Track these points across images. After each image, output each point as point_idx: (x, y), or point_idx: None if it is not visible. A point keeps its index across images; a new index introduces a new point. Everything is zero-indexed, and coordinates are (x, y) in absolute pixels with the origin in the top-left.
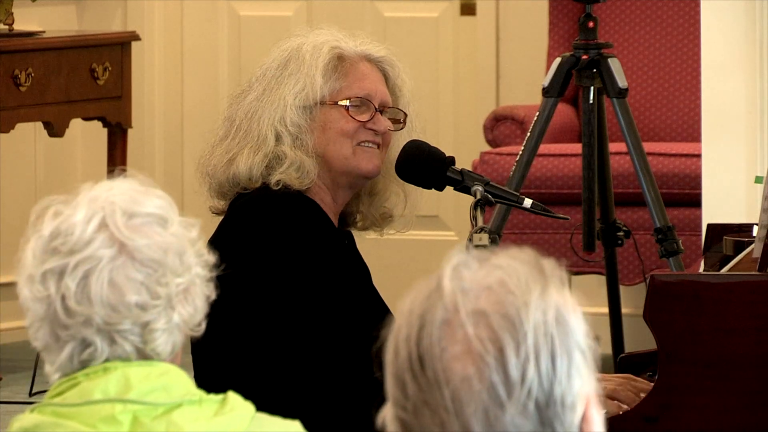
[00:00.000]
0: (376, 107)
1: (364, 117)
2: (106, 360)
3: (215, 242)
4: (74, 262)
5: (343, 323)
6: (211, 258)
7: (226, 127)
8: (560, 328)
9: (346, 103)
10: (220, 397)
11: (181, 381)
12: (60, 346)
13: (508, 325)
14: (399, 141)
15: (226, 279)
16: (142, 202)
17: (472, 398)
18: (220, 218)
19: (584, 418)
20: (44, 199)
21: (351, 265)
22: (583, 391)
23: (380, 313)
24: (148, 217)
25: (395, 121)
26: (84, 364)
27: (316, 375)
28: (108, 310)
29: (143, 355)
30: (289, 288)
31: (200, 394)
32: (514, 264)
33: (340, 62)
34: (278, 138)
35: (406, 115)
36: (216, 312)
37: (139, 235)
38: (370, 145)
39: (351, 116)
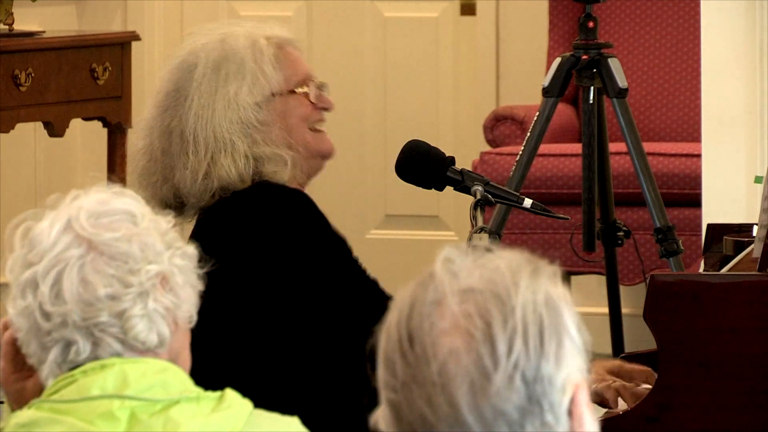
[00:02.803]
0: (318, 86)
1: (315, 98)
2: (96, 358)
3: (213, 235)
4: (44, 267)
5: (344, 321)
6: (192, 250)
7: (177, 146)
8: (550, 311)
9: (303, 89)
10: (217, 394)
11: (179, 378)
12: (47, 354)
13: (496, 301)
14: None
15: (225, 274)
16: (109, 202)
17: (458, 371)
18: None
19: (573, 402)
20: (16, 217)
21: (350, 258)
22: (574, 377)
23: (380, 306)
24: (114, 215)
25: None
26: (72, 365)
27: (315, 373)
28: (83, 306)
29: (130, 346)
30: (288, 284)
31: (198, 391)
32: (506, 254)
33: (279, 50)
34: (246, 138)
35: (326, 84)
36: (216, 308)
37: (105, 230)
38: (321, 125)
39: (309, 100)
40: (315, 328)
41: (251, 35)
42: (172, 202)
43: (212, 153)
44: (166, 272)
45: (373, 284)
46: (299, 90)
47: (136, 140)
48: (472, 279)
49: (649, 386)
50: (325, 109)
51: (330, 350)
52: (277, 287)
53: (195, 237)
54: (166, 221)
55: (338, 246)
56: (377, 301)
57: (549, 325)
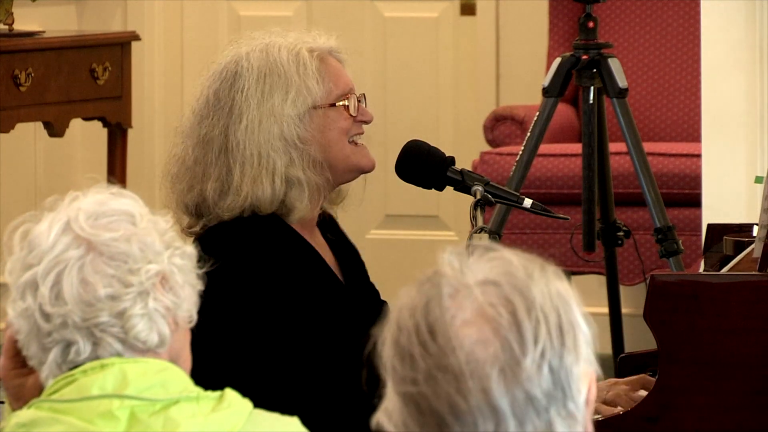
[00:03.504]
0: (358, 99)
1: (354, 111)
2: (96, 358)
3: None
4: (43, 269)
5: (333, 339)
6: (191, 249)
7: (216, 157)
8: (563, 304)
9: (344, 102)
10: (217, 393)
11: (179, 377)
12: (47, 355)
13: (517, 291)
14: None
15: (226, 279)
16: (108, 203)
17: (487, 357)
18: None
19: (589, 392)
20: (15, 220)
21: (331, 282)
22: (588, 371)
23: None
24: (114, 215)
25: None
26: (71, 365)
27: (314, 373)
28: (83, 307)
29: (130, 346)
30: (279, 309)
31: (198, 390)
32: (509, 251)
33: (320, 62)
34: (285, 156)
35: (364, 95)
36: (217, 309)
37: (104, 231)
38: (360, 137)
39: (349, 114)
40: (313, 332)
41: (294, 47)
42: (192, 211)
43: (255, 171)
44: (165, 271)
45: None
46: (339, 103)
47: (172, 145)
48: (487, 272)
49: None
50: (365, 122)
51: (328, 352)
52: (276, 298)
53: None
54: (164, 221)
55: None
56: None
57: (565, 318)
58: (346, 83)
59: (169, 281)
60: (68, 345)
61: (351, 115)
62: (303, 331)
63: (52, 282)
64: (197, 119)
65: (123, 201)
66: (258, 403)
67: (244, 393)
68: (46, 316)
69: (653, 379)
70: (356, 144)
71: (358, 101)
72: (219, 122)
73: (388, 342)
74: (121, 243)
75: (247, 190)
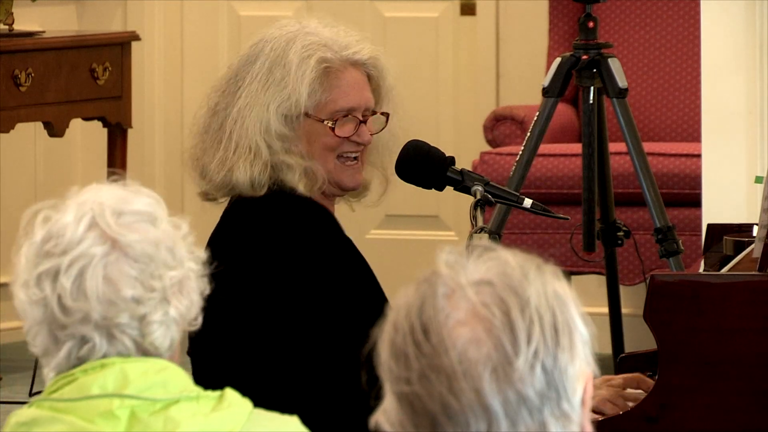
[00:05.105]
0: (360, 119)
1: (349, 131)
2: (105, 356)
3: (224, 238)
4: (68, 261)
5: (351, 331)
6: (202, 254)
7: (215, 131)
8: (559, 304)
9: (331, 122)
10: (217, 393)
11: (179, 377)
12: (59, 347)
13: (511, 291)
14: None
15: (233, 277)
16: (131, 201)
17: (480, 357)
18: (211, 206)
19: (585, 392)
20: (33, 205)
21: (363, 272)
22: (584, 369)
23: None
24: (136, 215)
25: (379, 124)
26: (81, 361)
27: (315, 374)
28: (105, 305)
29: (142, 349)
30: (301, 293)
31: (198, 390)
32: (507, 251)
33: (325, 75)
34: (270, 147)
35: (388, 115)
36: (220, 309)
37: (129, 231)
38: (352, 155)
39: (335, 134)
40: (318, 332)
41: (310, 50)
42: (198, 176)
43: (239, 153)
44: (183, 278)
45: (380, 299)
46: (327, 122)
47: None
48: (483, 272)
49: (637, 390)
50: (359, 144)
51: (331, 354)
52: (284, 294)
53: (218, 231)
54: (184, 224)
55: (350, 264)
56: (380, 313)
57: (560, 318)
58: (347, 101)
59: (185, 287)
60: (83, 341)
61: (338, 135)
62: (331, 318)
63: (74, 275)
64: (216, 88)
65: (145, 201)
66: (258, 403)
67: (245, 392)
68: (65, 309)
69: (647, 378)
70: (344, 161)
71: (362, 121)
72: (227, 98)
73: (384, 342)
74: (146, 246)
75: (231, 168)
